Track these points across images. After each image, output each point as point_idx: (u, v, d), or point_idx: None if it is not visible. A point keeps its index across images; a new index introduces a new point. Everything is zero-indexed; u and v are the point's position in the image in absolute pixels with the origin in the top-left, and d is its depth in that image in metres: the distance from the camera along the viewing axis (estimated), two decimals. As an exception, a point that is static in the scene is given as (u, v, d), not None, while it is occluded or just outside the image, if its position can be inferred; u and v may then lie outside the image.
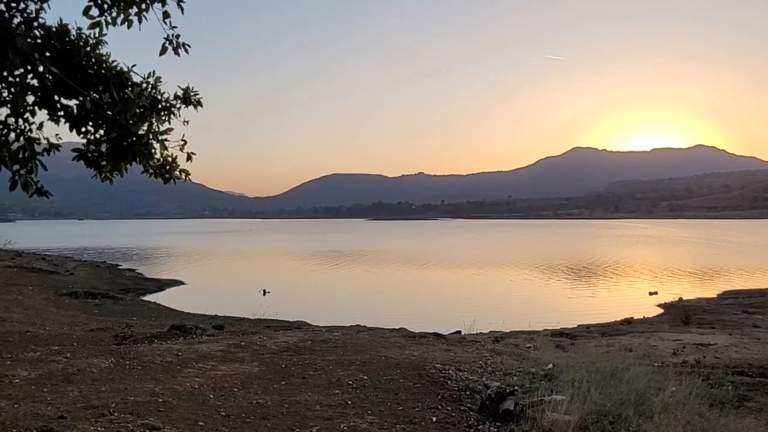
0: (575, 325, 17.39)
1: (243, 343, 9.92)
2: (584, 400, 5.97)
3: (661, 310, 21.47)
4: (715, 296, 24.75)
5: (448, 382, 7.56)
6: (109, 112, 4.18)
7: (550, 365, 8.66)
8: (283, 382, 7.42)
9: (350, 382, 7.41)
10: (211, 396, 6.71)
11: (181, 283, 32.43)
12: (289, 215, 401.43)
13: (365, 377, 7.69)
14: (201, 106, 4.64)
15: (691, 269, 39.85)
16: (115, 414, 5.82)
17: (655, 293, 26.33)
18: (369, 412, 6.25)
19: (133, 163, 4.49)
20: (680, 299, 23.00)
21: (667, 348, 11.30)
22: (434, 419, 6.08)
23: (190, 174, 4.76)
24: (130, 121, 4.20)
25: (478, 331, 14.32)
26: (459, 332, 14.35)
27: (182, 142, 4.52)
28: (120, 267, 41.81)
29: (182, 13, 4.25)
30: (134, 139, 4.28)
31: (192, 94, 4.60)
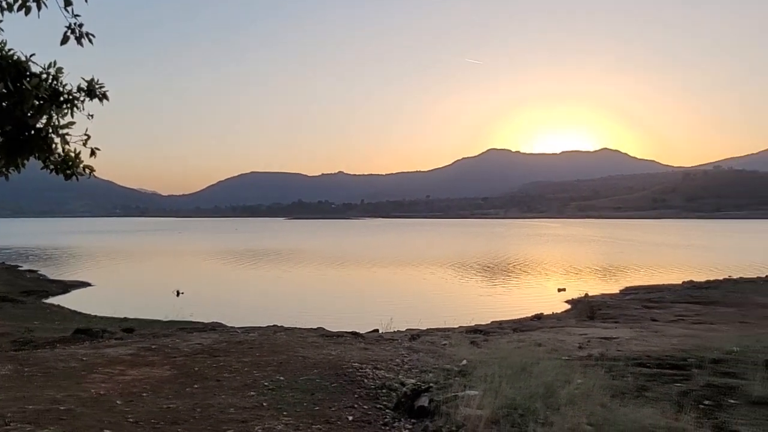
0: (489, 322, 17.90)
1: (154, 346, 9.57)
2: (496, 395, 6.15)
3: (569, 306, 22.43)
4: (618, 292, 26.07)
5: (365, 380, 7.59)
6: (4, 104, 3.92)
7: (465, 361, 8.86)
8: (196, 386, 7.21)
9: (266, 384, 7.30)
10: (119, 402, 6.43)
11: (88, 284, 30.95)
12: (206, 214, 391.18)
13: (282, 378, 7.60)
14: (107, 99, 4.40)
15: (596, 266, 41.88)
16: (12, 424, 5.47)
17: (564, 290, 27.46)
18: (285, 413, 6.18)
19: (32, 158, 4.23)
20: (586, 295, 24.10)
21: (574, 342, 11.80)
22: (350, 418, 6.09)
23: (94, 170, 4.51)
24: (28, 114, 3.95)
25: (396, 330, 14.48)
26: (377, 331, 14.45)
27: (86, 137, 4.29)
28: (20, 268, 39.42)
29: (86, 1, 4.04)
30: (32, 132, 4.03)
31: (97, 86, 4.36)
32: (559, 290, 27.53)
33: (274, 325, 14.40)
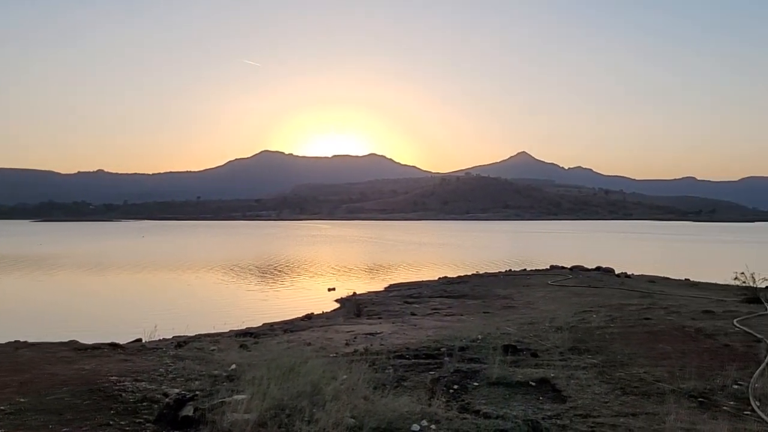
0: (260, 324, 17.80)
1: None
2: (264, 397, 6.15)
3: (338, 305, 23.23)
4: (383, 289, 27.67)
5: (124, 394, 7.06)
6: None
7: (234, 366, 8.71)
8: None
9: (4, 408, 6.42)
10: None
11: None
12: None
13: (23, 400, 6.74)
14: None
15: (364, 266, 44.04)
16: None
17: (333, 289, 28.39)
18: (25, 439, 5.50)
19: None
20: (354, 294, 25.19)
21: (341, 339, 12.27)
22: (105, 437, 5.62)
23: None
24: None
25: (161, 338, 13.69)
26: (139, 340, 13.51)
27: None
28: None
29: None
30: None
31: None
32: (330, 290, 28.37)
33: (15, 341, 12.70)
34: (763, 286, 18.73)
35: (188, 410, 5.99)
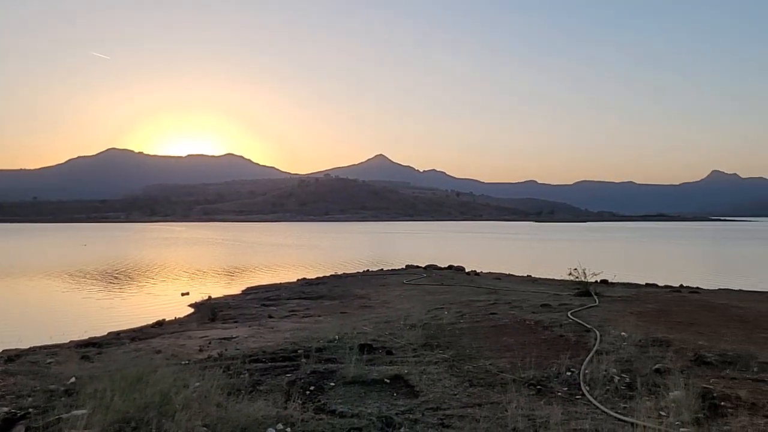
0: (105, 333, 16.65)
1: None
2: (107, 411, 5.78)
3: (192, 310, 22.34)
4: (240, 292, 27.02)
5: (-60, 418, 6.30)
6: None
7: (73, 379, 8.11)
8: None
9: None
10: None
11: None
12: None
13: None
14: None
15: (221, 269, 42.74)
16: None
17: (187, 293, 27.27)
18: None
19: None
20: (209, 298, 24.35)
21: (194, 345, 11.83)
22: None
23: None
24: None
25: (-12, 353, 12.38)
26: (-39, 357, 12.13)
27: None
28: None
29: None
30: None
31: None
32: (183, 294, 27.23)
33: None
34: (593, 281, 20.69)
35: (19, 430, 5.50)
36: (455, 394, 7.38)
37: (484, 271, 31.89)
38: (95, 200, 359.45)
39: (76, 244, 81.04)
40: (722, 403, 6.50)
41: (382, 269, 34.74)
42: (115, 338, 14.87)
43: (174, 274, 38.84)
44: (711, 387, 6.99)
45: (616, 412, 6.46)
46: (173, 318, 19.88)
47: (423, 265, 34.32)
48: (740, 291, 21.83)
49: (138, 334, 15.32)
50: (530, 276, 29.75)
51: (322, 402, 7.10)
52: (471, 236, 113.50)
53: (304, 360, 9.47)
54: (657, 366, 8.26)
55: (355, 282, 27.01)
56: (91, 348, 12.71)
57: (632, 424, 5.86)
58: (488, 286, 23.01)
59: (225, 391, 6.92)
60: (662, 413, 6.28)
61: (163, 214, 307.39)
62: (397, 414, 6.50)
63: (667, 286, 23.47)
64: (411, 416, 6.47)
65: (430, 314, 14.94)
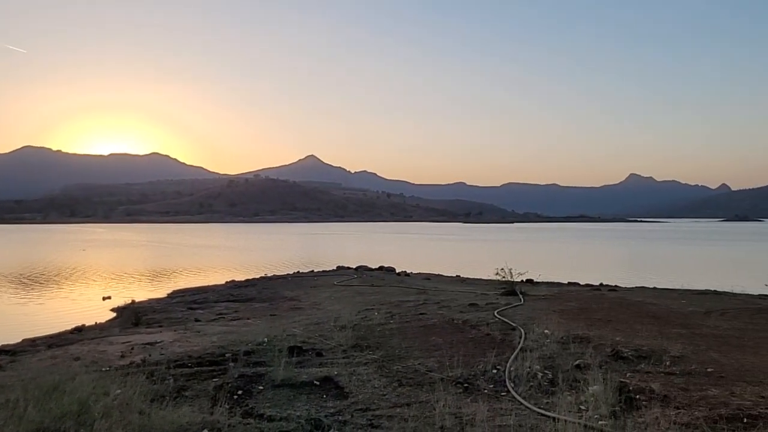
0: (20, 340, 15.79)
1: None
2: (19, 422, 5.51)
3: (114, 314, 21.51)
4: (165, 296, 26.20)
5: None
6: None
7: (-18, 390, 7.66)
8: None
9: None
10: None
11: None
12: None
13: None
14: None
15: (145, 271, 41.36)
16: None
17: (109, 298, 26.25)
18: None
19: None
20: (133, 301, 23.51)
21: (116, 351, 11.40)
22: None
23: None
24: None
25: None
26: None
27: None
28: None
29: None
30: None
31: None
32: (105, 298, 26.18)
33: None
34: (519, 280, 21.27)
35: None
36: (384, 395, 7.44)
37: (414, 272, 32.22)
38: (8, 200, 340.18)
39: (-13, 246, 76.51)
40: (637, 396, 6.82)
41: (312, 271, 34.53)
42: (30, 345, 14.14)
43: (95, 278, 37.31)
44: (627, 381, 7.33)
45: (539, 408, 6.67)
46: (94, 323, 19.07)
47: (354, 266, 34.35)
48: (654, 288, 22.94)
49: (55, 341, 14.63)
50: (459, 276, 30.27)
51: (250, 406, 7.00)
52: (401, 237, 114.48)
53: (231, 364, 9.31)
54: (577, 362, 8.59)
55: (285, 284, 26.73)
56: (2, 356, 12.04)
57: (554, 419, 6.07)
58: (418, 286, 23.26)
59: (148, 398, 6.73)
60: (582, 407, 6.53)
61: (83, 215, 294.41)
62: (326, 416, 6.49)
63: (587, 285, 24.38)
64: (340, 418, 6.48)
65: (361, 315, 14.98)
